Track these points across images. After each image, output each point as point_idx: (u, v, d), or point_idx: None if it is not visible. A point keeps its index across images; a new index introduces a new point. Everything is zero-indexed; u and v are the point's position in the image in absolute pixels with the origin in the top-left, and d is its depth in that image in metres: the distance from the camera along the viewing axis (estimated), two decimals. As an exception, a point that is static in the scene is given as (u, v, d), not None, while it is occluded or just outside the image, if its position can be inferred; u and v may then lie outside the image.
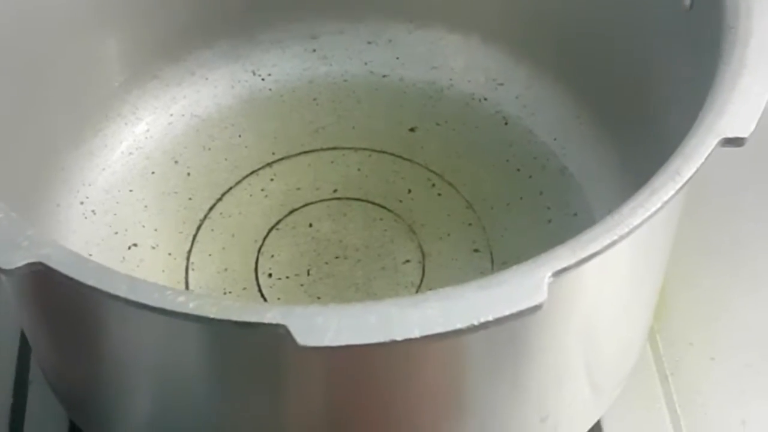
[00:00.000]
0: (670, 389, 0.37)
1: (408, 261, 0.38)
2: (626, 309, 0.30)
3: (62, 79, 0.37)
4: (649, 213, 0.24)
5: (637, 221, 0.24)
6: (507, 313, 0.23)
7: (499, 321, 0.23)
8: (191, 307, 0.23)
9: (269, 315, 0.23)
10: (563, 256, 0.23)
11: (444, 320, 0.23)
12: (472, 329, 0.23)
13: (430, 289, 0.38)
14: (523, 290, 0.23)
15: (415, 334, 0.23)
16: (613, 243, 0.24)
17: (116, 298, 0.23)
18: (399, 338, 0.23)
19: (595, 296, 0.27)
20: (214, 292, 0.37)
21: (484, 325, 0.23)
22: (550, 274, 0.23)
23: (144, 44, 0.40)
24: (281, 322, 0.23)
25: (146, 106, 0.42)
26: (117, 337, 0.27)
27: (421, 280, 0.38)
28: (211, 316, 0.23)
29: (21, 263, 0.23)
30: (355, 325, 0.23)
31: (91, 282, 0.23)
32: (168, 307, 0.23)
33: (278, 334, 0.23)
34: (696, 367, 0.38)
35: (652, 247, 0.28)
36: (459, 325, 0.23)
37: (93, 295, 0.24)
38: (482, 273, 0.38)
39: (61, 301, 0.26)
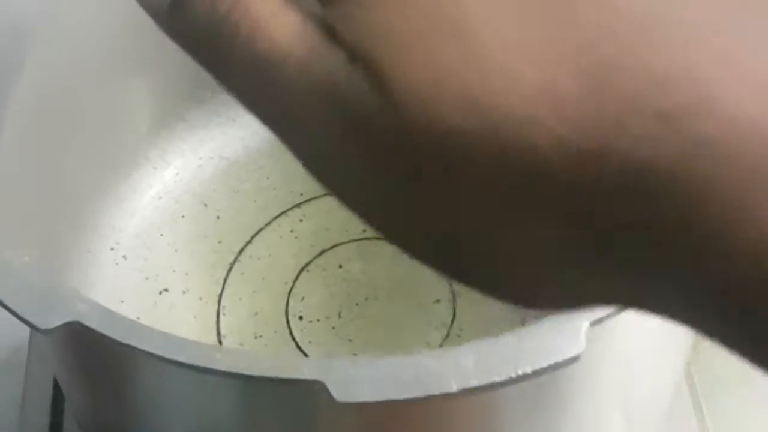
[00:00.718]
0: (706, 423, 0.36)
1: (438, 301, 0.38)
2: (663, 350, 0.29)
3: (91, 126, 0.38)
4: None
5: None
6: (545, 365, 0.22)
7: (536, 373, 0.22)
8: (227, 364, 0.23)
9: (305, 371, 0.23)
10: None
11: (481, 373, 0.22)
12: (510, 382, 0.23)
13: (462, 330, 0.39)
14: (560, 341, 0.23)
15: (453, 388, 0.22)
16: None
17: (153, 356, 0.23)
18: (436, 393, 0.22)
19: (632, 341, 0.27)
20: (246, 337, 0.37)
21: (522, 378, 0.22)
22: (588, 323, 0.23)
23: (171, 88, 0.40)
24: (318, 378, 0.23)
25: (174, 149, 0.42)
26: (152, 391, 0.27)
27: (452, 321, 0.37)
28: (247, 373, 0.23)
29: (58, 323, 0.23)
30: (391, 380, 0.23)
31: (128, 340, 0.23)
32: (204, 364, 0.23)
33: (315, 390, 0.23)
34: (732, 400, 0.37)
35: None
36: (496, 378, 0.22)
37: (129, 352, 0.24)
38: (514, 312, 0.38)
39: (97, 356, 0.26)
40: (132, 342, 0.23)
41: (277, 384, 0.23)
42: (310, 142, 0.16)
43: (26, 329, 0.41)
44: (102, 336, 0.24)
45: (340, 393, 0.23)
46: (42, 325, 0.23)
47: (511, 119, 0.13)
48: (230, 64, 0.15)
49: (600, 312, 0.23)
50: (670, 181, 0.13)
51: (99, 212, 0.39)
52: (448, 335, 0.37)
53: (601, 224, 0.13)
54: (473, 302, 0.38)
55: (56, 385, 0.39)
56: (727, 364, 0.38)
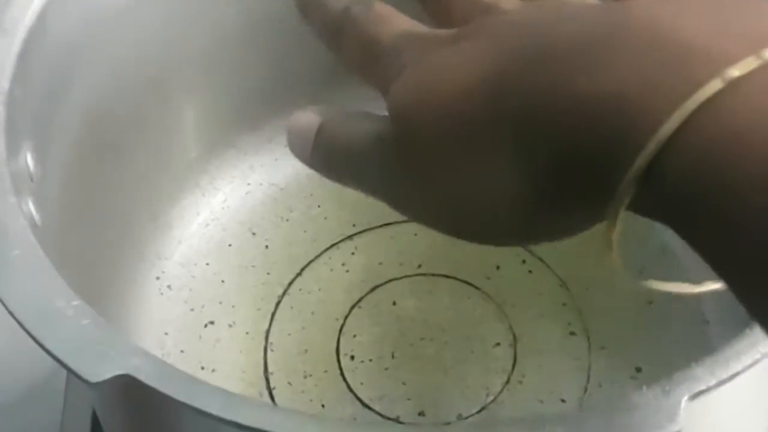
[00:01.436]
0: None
1: (498, 344, 0.36)
2: (751, 419, 0.27)
3: (141, 151, 0.36)
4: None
5: (782, 336, 0.21)
6: (640, 444, 0.20)
7: (631, 453, 0.20)
8: (288, 426, 0.21)
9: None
10: (702, 377, 0.21)
11: (570, 451, 0.20)
12: (601, 462, 0.20)
13: (524, 376, 0.37)
14: (658, 416, 0.21)
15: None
16: (757, 361, 0.21)
17: (208, 415, 0.21)
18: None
19: (723, 413, 0.24)
20: (294, 375, 0.36)
21: (615, 457, 0.20)
22: (686, 397, 0.21)
23: (221, 114, 0.39)
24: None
25: (224, 175, 0.40)
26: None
27: (513, 366, 0.35)
28: (311, 439, 0.21)
29: (108, 376, 0.22)
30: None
31: (182, 398, 0.21)
32: (263, 426, 0.21)
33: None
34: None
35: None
36: (587, 458, 0.20)
37: (182, 408, 0.22)
38: (578, 359, 0.36)
39: (147, 409, 0.24)
40: (186, 399, 0.22)
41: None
42: (374, 175, 0.24)
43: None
44: (155, 391, 0.22)
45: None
46: (92, 378, 0.22)
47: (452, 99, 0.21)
48: (345, 163, 0.24)
49: (702, 384, 0.21)
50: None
51: (144, 240, 0.37)
52: (508, 381, 0.35)
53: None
54: (535, 346, 0.36)
55: (95, 417, 0.37)
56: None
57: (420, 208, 0.23)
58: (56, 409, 0.40)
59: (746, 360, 0.21)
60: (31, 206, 0.26)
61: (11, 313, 0.23)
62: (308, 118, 0.25)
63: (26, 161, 0.27)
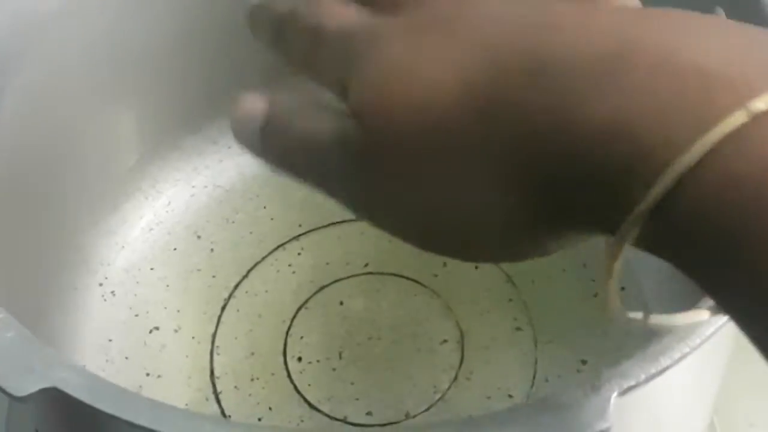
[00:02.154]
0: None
1: (446, 341, 0.36)
2: (688, 412, 0.27)
3: (80, 155, 0.36)
4: (724, 320, 0.22)
5: (710, 330, 0.22)
6: (570, 442, 0.20)
7: (560, 451, 0.20)
8: (220, 436, 0.21)
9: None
10: (631, 373, 0.21)
11: (500, 451, 0.20)
12: (531, 459, 0.20)
13: (471, 373, 0.37)
14: (587, 414, 0.21)
15: (469, 466, 0.20)
16: (685, 355, 0.21)
17: (138, 427, 0.21)
18: (451, 470, 0.20)
19: (658, 407, 0.25)
20: (242, 379, 0.35)
21: (545, 456, 0.20)
22: (615, 393, 0.21)
23: (163, 116, 0.38)
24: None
25: (167, 178, 0.40)
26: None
27: (461, 363, 0.35)
28: (242, 447, 0.21)
29: (34, 389, 0.21)
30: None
31: (111, 410, 0.21)
32: (194, 436, 0.21)
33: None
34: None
35: (718, 351, 0.26)
36: (517, 456, 0.20)
37: (113, 422, 0.22)
38: (525, 353, 0.36)
39: (77, 423, 0.24)
40: (115, 411, 0.21)
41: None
42: (336, 178, 0.22)
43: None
44: (83, 404, 0.21)
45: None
46: (17, 393, 0.21)
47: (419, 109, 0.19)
48: (302, 160, 0.22)
49: (631, 380, 0.21)
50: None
51: (86, 246, 0.37)
52: (456, 378, 0.35)
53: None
54: (482, 343, 0.36)
55: None
56: (751, 412, 0.36)
57: (384, 216, 0.21)
58: None
59: (675, 354, 0.21)
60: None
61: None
62: (253, 103, 0.23)
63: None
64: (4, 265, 0.27)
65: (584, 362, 0.35)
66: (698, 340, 0.21)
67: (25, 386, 0.21)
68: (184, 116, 0.39)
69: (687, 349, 0.21)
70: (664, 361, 0.21)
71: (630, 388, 0.21)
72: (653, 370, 0.21)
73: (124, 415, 0.21)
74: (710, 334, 0.22)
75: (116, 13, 0.35)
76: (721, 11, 0.31)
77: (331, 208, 0.40)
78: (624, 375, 0.21)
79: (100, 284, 0.37)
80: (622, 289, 0.36)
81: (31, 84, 0.32)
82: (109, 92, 0.36)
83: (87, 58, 0.34)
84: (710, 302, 0.20)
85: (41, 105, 0.33)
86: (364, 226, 0.40)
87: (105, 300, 0.37)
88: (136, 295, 0.37)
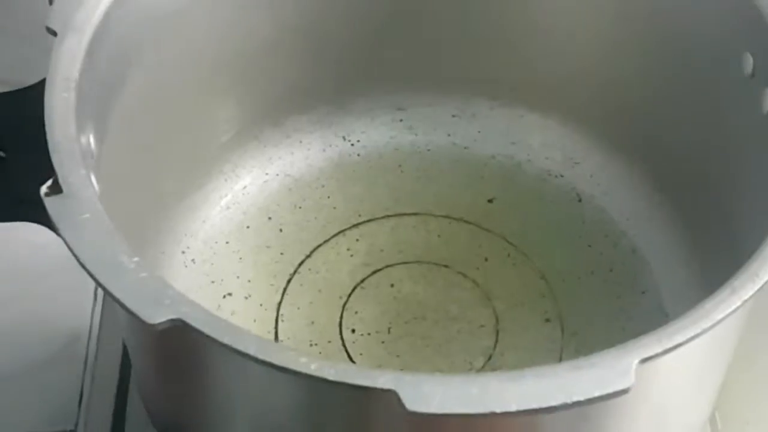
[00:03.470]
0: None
1: (483, 326, 0.41)
2: (695, 395, 0.32)
3: (175, 139, 0.41)
4: (730, 310, 0.26)
5: (719, 316, 0.26)
6: (597, 394, 0.25)
7: (590, 401, 0.25)
8: (312, 368, 0.26)
9: (381, 380, 0.25)
10: (650, 344, 0.26)
11: (539, 397, 0.25)
12: (564, 407, 0.25)
13: (503, 354, 0.41)
14: (612, 374, 0.25)
15: (512, 408, 0.25)
16: (696, 336, 0.26)
17: (245, 355, 0.26)
18: (498, 410, 0.25)
19: (670, 383, 0.29)
20: (302, 344, 0.40)
21: (577, 404, 0.25)
22: (638, 360, 0.25)
23: (248, 109, 0.43)
24: (392, 387, 0.25)
25: (245, 164, 0.45)
26: (231, 386, 0.30)
27: (494, 346, 0.40)
28: (330, 378, 0.26)
29: (164, 319, 0.26)
30: (458, 396, 0.25)
31: (225, 340, 0.26)
32: (291, 367, 0.26)
33: (387, 398, 0.25)
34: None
35: (725, 338, 0.30)
36: (553, 403, 0.25)
37: (222, 350, 0.26)
38: (553, 342, 0.40)
39: (190, 351, 0.29)
40: (228, 342, 0.26)
41: (355, 390, 0.26)
42: None
43: (88, 317, 0.45)
44: (201, 334, 0.26)
45: (411, 403, 0.25)
46: (150, 320, 0.26)
47: None
48: None
49: (651, 350, 0.26)
50: None
51: (174, 217, 0.42)
52: (490, 358, 0.39)
53: None
54: (515, 330, 0.40)
55: (121, 377, 0.41)
56: (749, 408, 0.40)
57: None
58: (76, 373, 0.44)
59: (688, 333, 0.26)
60: (93, 179, 0.31)
61: (84, 267, 0.27)
62: None
63: (89, 141, 0.32)
64: (126, 225, 0.31)
65: (604, 353, 0.40)
66: (709, 324, 0.26)
67: (156, 316, 0.26)
68: (266, 111, 0.44)
69: (698, 330, 0.26)
70: (678, 338, 0.26)
71: (649, 358, 0.26)
72: (669, 345, 0.26)
73: (235, 345, 0.26)
74: (720, 319, 0.26)
75: (218, 15, 0.40)
76: (749, 57, 0.35)
77: (387, 202, 0.46)
78: (645, 346, 0.26)
79: (183, 252, 0.42)
80: (643, 293, 0.41)
81: (146, 72, 0.37)
82: (205, 85, 0.41)
83: (192, 53, 0.39)
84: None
85: (152, 91, 0.38)
86: (415, 221, 0.45)
87: (186, 266, 0.42)
88: (212, 264, 0.42)
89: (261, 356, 0.26)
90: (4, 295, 0.46)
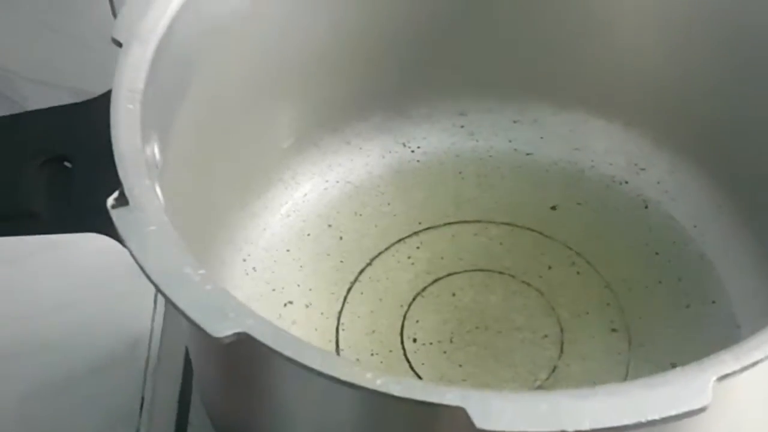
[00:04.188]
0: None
1: (546, 336, 0.40)
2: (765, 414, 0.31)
3: (234, 147, 0.41)
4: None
5: (799, 333, 0.25)
6: (673, 413, 0.24)
7: (664, 420, 0.24)
8: (378, 384, 0.25)
9: (449, 397, 0.25)
10: (727, 361, 0.25)
11: (613, 415, 0.24)
12: (638, 426, 0.24)
13: (568, 365, 0.40)
14: (688, 392, 0.24)
15: (585, 426, 0.24)
16: (776, 352, 0.25)
17: (310, 369, 0.26)
18: (569, 429, 0.24)
19: (747, 400, 0.28)
20: (363, 353, 0.40)
21: (651, 423, 0.24)
22: (715, 378, 0.25)
23: (308, 116, 0.43)
24: (460, 404, 0.25)
25: (305, 171, 0.45)
26: (294, 398, 0.30)
27: (559, 356, 0.39)
28: (396, 394, 0.25)
29: (229, 333, 0.26)
30: (528, 413, 0.25)
31: (289, 353, 0.26)
32: (356, 382, 0.25)
33: (455, 415, 0.25)
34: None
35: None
36: (626, 421, 0.24)
37: (286, 364, 0.26)
38: (619, 353, 0.39)
39: (252, 363, 0.29)
40: (293, 355, 0.26)
41: (422, 406, 0.25)
42: None
43: (148, 322, 0.45)
44: (266, 347, 0.26)
45: (480, 420, 0.25)
46: (215, 334, 0.26)
47: None
48: None
49: (728, 368, 0.25)
50: None
51: (235, 226, 0.42)
52: (555, 369, 0.39)
53: None
54: (580, 340, 0.40)
55: (184, 380, 0.42)
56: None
57: None
58: (137, 377, 0.45)
59: (767, 349, 0.25)
60: (158, 190, 0.31)
61: (150, 279, 0.27)
62: None
63: (153, 151, 0.32)
64: (188, 236, 0.31)
65: (673, 365, 0.39)
66: (789, 340, 0.25)
67: (221, 330, 0.26)
68: (325, 117, 0.44)
69: (778, 347, 0.25)
70: (757, 355, 0.25)
71: (726, 375, 0.25)
72: (747, 362, 0.25)
73: (300, 359, 0.26)
74: (800, 336, 0.25)
75: (280, 23, 0.40)
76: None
77: (448, 209, 0.45)
78: (722, 363, 0.25)
79: (244, 260, 0.42)
80: (713, 302, 0.40)
81: (208, 80, 0.37)
82: (265, 92, 0.41)
83: (252, 61, 0.39)
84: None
85: (213, 99, 0.38)
86: (477, 228, 0.45)
87: (247, 274, 0.42)
88: (273, 272, 0.42)
89: (326, 371, 0.26)
90: (64, 300, 0.46)
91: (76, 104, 0.34)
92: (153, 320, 0.46)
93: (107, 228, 0.29)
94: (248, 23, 0.38)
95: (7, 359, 0.44)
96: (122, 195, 0.29)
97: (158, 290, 0.27)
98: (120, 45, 0.32)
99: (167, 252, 0.28)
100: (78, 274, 0.47)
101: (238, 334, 0.26)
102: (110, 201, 0.29)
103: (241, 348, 0.27)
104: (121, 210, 0.28)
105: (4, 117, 0.33)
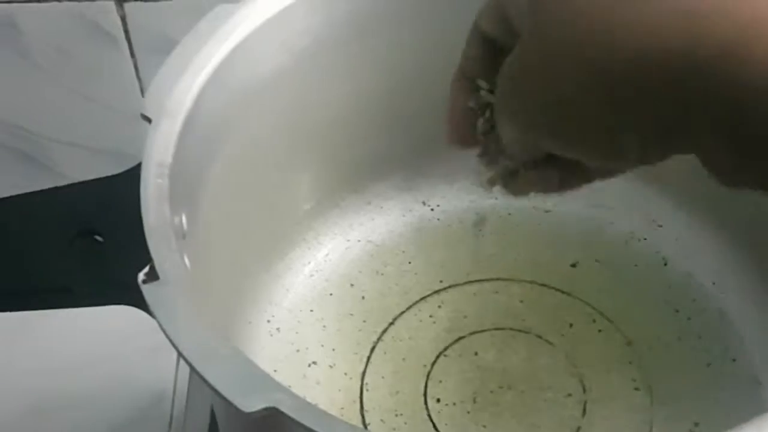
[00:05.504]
0: None
1: (569, 395, 0.40)
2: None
3: (258, 210, 0.42)
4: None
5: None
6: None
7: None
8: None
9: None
10: (750, 433, 0.25)
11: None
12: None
13: (592, 426, 0.41)
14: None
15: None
16: (799, 424, 0.25)
17: (339, 444, 0.26)
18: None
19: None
20: (387, 414, 0.40)
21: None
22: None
23: (329, 177, 0.44)
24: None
25: (327, 232, 0.45)
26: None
27: (583, 416, 0.39)
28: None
29: (259, 407, 0.26)
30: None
31: (318, 429, 0.26)
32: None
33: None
34: None
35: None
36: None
37: (315, 437, 0.27)
38: (642, 413, 0.39)
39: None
40: (321, 430, 0.26)
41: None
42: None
43: (171, 379, 0.46)
44: (294, 421, 0.27)
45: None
46: (245, 409, 0.27)
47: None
48: None
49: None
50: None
51: (259, 287, 0.43)
52: (578, 430, 0.39)
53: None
54: (603, 399, 0.40)
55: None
56: None
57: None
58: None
59: (790, 422, 0.25)
60: (186, 261, 0.32)
61: (181, 354, 0.28)
62: None
63: (182, 221, 0.33)
64: (214, 300, 0.32)
65: (696, 425, 0.39)
66: (811, 411, 0.25)
67: (251, 404, 0.27)
68: (346, 178, 0.45)
69: (801, 418, 0.25)
70: (781, 427, 0.25)
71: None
72: (771, 434, 0.25)
73: (328, 434, 0.26)
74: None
75: (300, 91, 0.41)
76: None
77: (469, 267, 0.45)
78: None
79: (268, 321, 0.43)
80: (733, 360, 0.40)
81: (232, 149, 0.38)
82: (287, 155, 0.42)
83: (275, 126, 0.40)
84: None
85: (237, 167, 0.39)
86: (497, 286, 0.45)
87: (271, 335, 0.43)
88: (297, 333, 0.43)
89: (355, 446, 0.26)
90: (88, 357, 0.47)
91: (105, 178, 0.35)
92: (177, 376, 0.47)
93: (138, 301, 0.29)
94: (271, 91, 0.39)
95: (32, 416, 0.45)
96: (153, 270, 0.29)
97: (189, 365, 0.28)
98: (149, 121, 0.33)
99: (196, 326, 0.28)
100: (100, 331, 0.48)
101: (267, 408, 0.27)
102: (141, 276, 0.29)
103: (269, 421, 0.27)
104: (152, 285, 0.29)
105: (35, 193, 0.34)
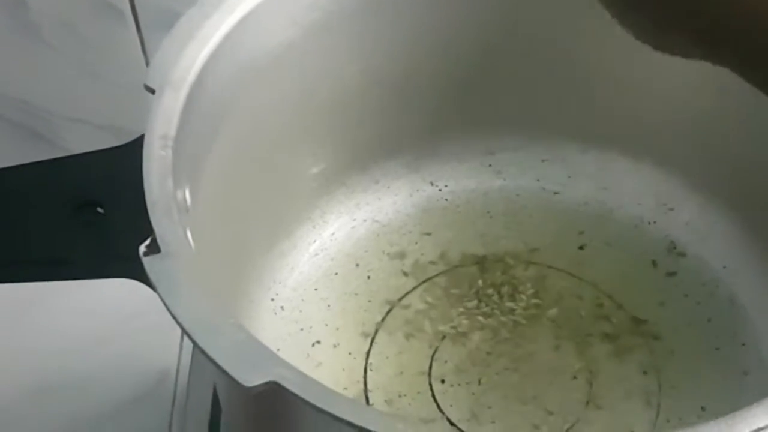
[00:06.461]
0: None
1: (576, 378, 0.40)
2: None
3: (263, 187, 0.41)
4: None
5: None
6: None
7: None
8: (409, 434, 0.25)
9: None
10: (759, 415, 0.25)
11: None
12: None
13: (599, 408, 0.40)
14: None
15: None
16: (810, 406, 0.25)
17: (340, 420, 0.26)
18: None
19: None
20: (391, 395, 0.40)
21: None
22: (747, 431, 0.24)
23: (336, 155, 0.44)
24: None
25: (333, 210, 0.45)
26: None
27: (589, 399, 0.39)
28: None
29: (260, 382, 0.26)
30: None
31: (320, 404, 0.26)
32: (388, 432, 0.25)
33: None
34: None
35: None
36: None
37: (316, 414, 0.26)
38: (650, 396, 0.39)
39: (276, 408, 0.29)
40: (324, 406, 0.26)
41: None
42: None
43: (175, 357, 0.45)
44: (297, 397, 0.26)
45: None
46: (246, 383, 0.26)
47: None
48: None
49: (757, 422, 0.25)
50: None
51: (263, 265, 0.42)
52: (584, 412, 0.38)
53: None
54: (610, 383, 0.39)
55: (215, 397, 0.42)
56: None
57: None
58: (164, 413, 0.45)
59: (801, 404, 0.25)
60: (189, 235, 0.31)
61: (182, 327, 0.27)
62: None
63: (185, 196, 0.32)
64: (209, 279, 0.32)
65: (703, 408, 0.38)
66: (823, 394, 0.25)
67: (253, 379, 0.26)
68: (353, 157, 0.44)
69: (813, 401, 0.25)
70: (791, 409, 0.25)
71: (759, 429, 0.25)
72: (781, 416, 0.25)
73: (329, 409, 0.26)
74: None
75: (308, 68, 0.40)
76: None
77: (476, 249, 0.45)
78: (755, 416, 0.25)
79: (272, 299, 0.43)
80: (743, 345, 0.40)
81: (238, 125, 0.37)
82: (294, 133, 0.41)
83: (281, 103, 0.40)
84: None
85: (242, 143, 0.38)
86: (504, 267, 0.44)
87: (275, 314, 0.42)
88: (301, 311, 0.42)
89: (357, 422, 0.26)
90: (91, 336, 0.47)
91: (107, 150, 0.35)
92: (180, 354, 0.47)
93: (139, 274, 0.29)
94: (278, 65, 0.38)
95: (35, 395, 0.45)
96: (154, 242, 0.29)
97: (190, 338, 0.27)
98: (153, 92, 0.32)
99: (198, 300, 0.28)
100: (104, 309, 0.47)
101: (268, 383, 0.26)
102: (142, 248, 0.29)
103: (270, 396, 0.27)
104: (153, 257, 0.29)
105: (37, 163, 0.34)
